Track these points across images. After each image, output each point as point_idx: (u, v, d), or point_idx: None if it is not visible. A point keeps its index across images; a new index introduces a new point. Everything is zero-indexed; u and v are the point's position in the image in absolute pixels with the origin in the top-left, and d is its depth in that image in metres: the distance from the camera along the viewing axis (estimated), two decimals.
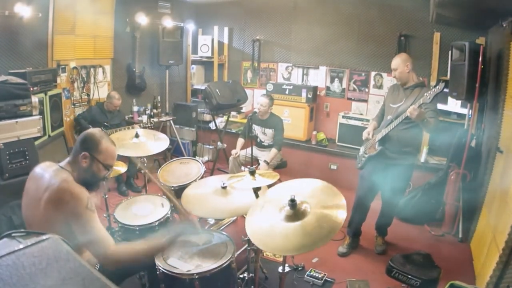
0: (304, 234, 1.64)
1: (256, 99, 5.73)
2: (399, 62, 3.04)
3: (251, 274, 2.52)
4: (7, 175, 2.88)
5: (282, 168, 4.24)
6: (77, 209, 1.59)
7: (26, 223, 1.77)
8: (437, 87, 2.64)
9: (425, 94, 2.72)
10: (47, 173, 1.72)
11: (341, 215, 1.66)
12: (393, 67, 3.08)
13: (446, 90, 3.54)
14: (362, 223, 3.35)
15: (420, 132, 3.05)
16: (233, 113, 5.46)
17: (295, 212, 1.71)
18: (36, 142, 3.24)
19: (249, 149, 3.63)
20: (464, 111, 4.02)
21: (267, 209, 1.83)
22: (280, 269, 1.93)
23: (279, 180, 2.23)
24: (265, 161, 4.02)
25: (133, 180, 4.62)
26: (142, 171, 2.82)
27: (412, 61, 3.05)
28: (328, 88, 5.28)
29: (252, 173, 2.26)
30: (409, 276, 2.36)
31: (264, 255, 3.17)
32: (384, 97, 3.43)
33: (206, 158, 5.73)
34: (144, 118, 4.93)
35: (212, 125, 5.56)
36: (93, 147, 1.76)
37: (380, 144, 3.10)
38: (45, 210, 1.61)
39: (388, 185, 3.16)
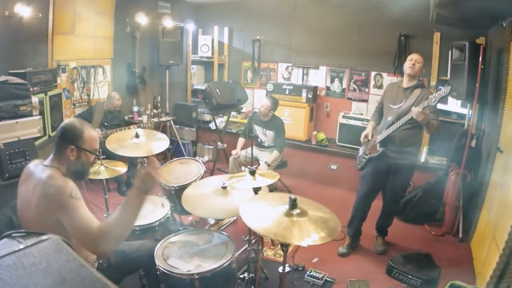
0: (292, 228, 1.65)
1: (256, 99, 5.74)
2: (421, 59, 3.03)
3: (251, 274, 2.52)
4: (7, 175, 2.88)
5: (282, 168, 4.24)
6: (61, 200, 1.57)
7: (22, 224, 1.77)
8: (443, 90, 2.61)
9: (430, 96, 2.70)
10: (35, 173, 1.71)
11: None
12: (415, 58, 3.01)
13: (454, 93, 3.55)
14: (363, 223, 3.35)
15: (421, 131, 3.05)
16: (233, 113, 5.46)
17: (292, 212, 1.73)
18: (36, 142, 3.24)
19: (249, 149, 3.63)
20: (464, 111, 4.02)
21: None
22: (280, 269, 1.93)
23: (279, 180, 2.24)
24: (266, 162, 4.02)
25: (133, 180, 4.61)
26: None
27: None
28: (328, 88, 5.28)
29: (252, 173, 2.26)
30: (409, 276, 2.36)
31: (265, 255, 3.18)
32: (381, 96, 3.38)
33: (206, 158, 5.73)
34: (144, 118, 4.93)
35: (212, 125, 5.56)
36: (77, 138, 1.74)
37: (381, 145, 3.08)
38: (36, 210, 1.61)
39: (389, 185, 3.17)
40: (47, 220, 1.58)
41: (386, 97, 3.24)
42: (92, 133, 1.80)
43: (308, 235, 1.61)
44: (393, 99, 3.11)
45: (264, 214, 1.75)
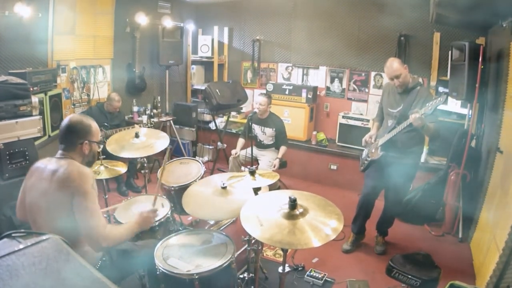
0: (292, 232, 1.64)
1: (256, 99, 5.74)
2: (398, 66, 2.91)
3: (251, 274, 2.52)
4: (7, 175, 2.88)
5: (282, 168, 4.24)
6: (83, 187, 1.69)
7: (30, 220, 1.80)
8: (440, 99, 2.61)
9: (427, 104, 2.69)
10: (50, 164, 1.78)
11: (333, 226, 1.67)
12: (394, 75, 2.92)
13: (454, 93, 3.54)
14: (367, 221, 3.37)
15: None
16: (233, 113, 5.46)
17: (293, 212, 1.72)
18: (36, 142, 3.23)
19: (249, 149, 3.63)
20: (464, 111, 4.02)
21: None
22: (280, 269, 1.93)
23: (279, 181, 2.24)
24: (278, 158, 4.09)
25: (133, 180, 4.62)
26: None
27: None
28: (328, 88, 5.28)
29: (252, 173, 2.26)
30: (409, 276, 2.36)
31: (264, 255, 3.18)
32: (380, 97, 3.38)
33: (206, 158, 5.73)
34: (144, 118, 4.93)
35: (212, 125, 5.56)
36: (88, 133, 1.87)
37: (382, 149, 3.09)
38: (52, 194, 1.68)
39: (392, 183, 3.18)
40: (62, 204, 1.66)
41: (384, 101, 3.24)
42: (96, 125, 1.94)
43: (320, 231, 1.61)
44: (391, 103, 3.11)
45: (266, 221, 1.73)
